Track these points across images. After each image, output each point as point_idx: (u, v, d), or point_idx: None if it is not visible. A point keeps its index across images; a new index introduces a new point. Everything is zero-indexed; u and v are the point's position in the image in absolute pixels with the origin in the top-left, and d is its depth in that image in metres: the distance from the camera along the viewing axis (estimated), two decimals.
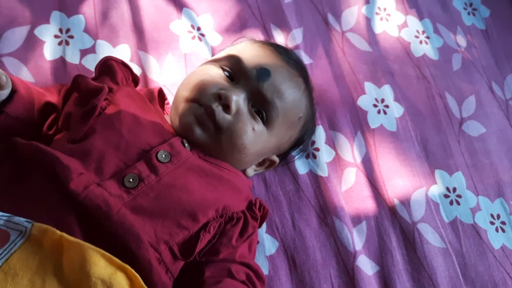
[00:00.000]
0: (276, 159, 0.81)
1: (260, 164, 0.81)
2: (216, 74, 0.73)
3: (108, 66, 0.73)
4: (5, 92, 0.60)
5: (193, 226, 0.62)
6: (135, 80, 0.78)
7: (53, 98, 0.69)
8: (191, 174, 0.65)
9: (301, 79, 0.77)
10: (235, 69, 0.73)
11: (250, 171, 0.80)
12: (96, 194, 0.55)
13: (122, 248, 0.55)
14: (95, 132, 0.62)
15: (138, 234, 0.55)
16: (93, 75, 0.75)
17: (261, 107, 0.72)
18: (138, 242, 0.55)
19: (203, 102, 0.69)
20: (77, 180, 0.55)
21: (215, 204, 0.65)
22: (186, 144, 0.68)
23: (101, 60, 0.74)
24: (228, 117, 0.68)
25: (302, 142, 0.85)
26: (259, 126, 0.72)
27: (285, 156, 0.85)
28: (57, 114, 0.68)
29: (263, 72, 0.72)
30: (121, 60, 0.75)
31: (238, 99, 0.69)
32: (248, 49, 0.76)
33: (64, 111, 0.67)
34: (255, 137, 0.71)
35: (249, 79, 0.71)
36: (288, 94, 0.73)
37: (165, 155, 0.63)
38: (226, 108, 0.68)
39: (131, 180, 0.60)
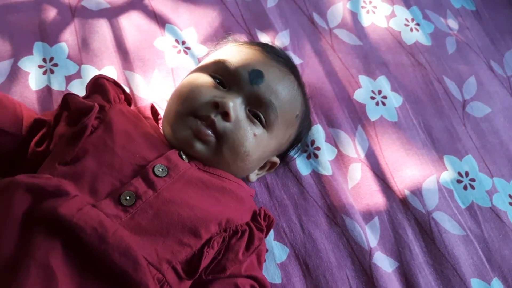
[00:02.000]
0: (277, 160, 0.78)
1: (261, 168, 0.78)
2: (206, 82, 0.69)
3: (99, 85, 0.70)
4: None
5: (196, 243, 0.58)
6: (127, 99, 0.75)
7: (45, 117, 0.67)
8: (191, 188, 0.62)
9: (293, 76, 0.74)
10: (225, 74, 0.70)
11: (253, 177, 0.77)
12: (90, 216, 0.52)
13: (118, 273, 0.51)
14: (87, 152, 0.60)
15: (136, 257, 0.52)
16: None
17: (259, 111, 0.69)
18: (135, 265, 0.51)
19: (199, 113, 0.65)
20: (70, 203, 0.52)
21: (218, 218, 0.61)
22: (184, 156, 0.65)
23: (92, 78, 0.71)
24: (228, 125, 0.65)
25: (301, 139, 0.82)
26: (259, 130, 0.69)
27: (284, 156, 0.82)
28: (47, 130, 0.65)
29: (255, 74, 0.69)
30: (112, 79, 0.72)
31: (235, 104, 0.66)
32: (235, 52, 0.73)
33: (55, 132, 0.64)
34: (256, 142, 0.68)
35: (242, 83, 0.68)
36: (285, 94, 0.70)
37: (162, 169, 0.60)
38: (225, 115, 0.65)
39: (128, 198, 0.56)
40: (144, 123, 0.70)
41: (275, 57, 0.74)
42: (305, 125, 0.80)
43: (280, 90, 0.70)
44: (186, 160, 0.65)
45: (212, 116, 0.65)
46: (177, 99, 0.69)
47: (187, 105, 0.67)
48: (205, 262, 0.59)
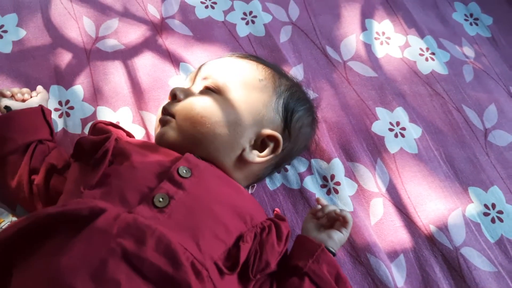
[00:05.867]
0: (274, 133, 0.72)
1: (260, 147, 0.73)
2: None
3: (99, 129, 0.73)
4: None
5: (228, 238, 0.59)
6: (129, 136, 0.78)
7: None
8: (214, 184, 0.65)
9: (253, 59, 0.80)
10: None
11: (252, 156, 0.72)
12: (129, 222, 0.52)
13: (161, 274, 0.50)
14: (110, 176, 0.61)
15: (177, 257, 0.51)
16: None
17: (207, 84, 0.74)
18: (176, 265, 0.51)
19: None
20: (105, 216, 0.52)
21: (242, 212, 0.63)
22: (199, 157, 0.67)
23: (90, 126, 0.75)
24: (180, 103, 0.72)
25: (292, 113, 0.76)
26: (211, 95, 0.72)
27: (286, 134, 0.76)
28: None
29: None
30: (109, 122, 0.76)
31: (183, 88, 0.74)
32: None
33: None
34: (209, 104, 0.71)
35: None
36: (230, 66, 0.77)
37: (185, 170, 0.62)
38: (175, 97, 0.73)
39: (161, 199, 0.57)
40: (154, 145, 0.72)
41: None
42: (293, 96, 0.77)
43: (223, 66, 0.77)
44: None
45: (166, 104, 0.73)
46: None
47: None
48: (243, 255, 0.58)
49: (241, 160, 0.72)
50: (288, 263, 0.66)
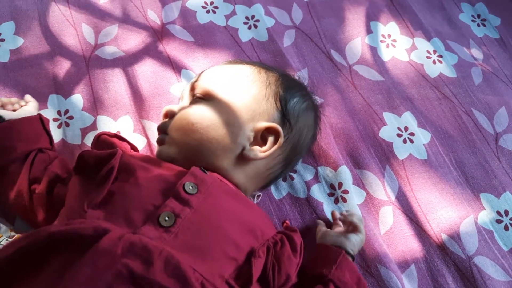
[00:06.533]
0: (271, 124, 0.70)
1: (261, 143, 0.71)
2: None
3: (102, 141, 0.72)
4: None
5: (239, 255, 0.57)
6: (133, 149, 0.76)
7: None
8: (222, 200, 0.62)
9: (239, 61, 0.80)
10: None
11: (254, 153, 0.69)
12: (133, 242, 0.50)
13: None
14: (114, 194, 0.59)
15: (187, 277, 0.49)
16: None
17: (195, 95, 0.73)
18: (187, 286, 0.48)
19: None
20: (109, 236, 0.50)
21: (253, 228, 0.61)
22: (206, 171, 0.65)
23: (94, 138, 0.73)
24: (171, 120, 0.72)
25: (286, 99, 0.74)
26: (199, 103, 0.71)
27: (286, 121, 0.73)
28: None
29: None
30: (114, 133, 0.75)
31: (172, 106, 0.74)
32: None
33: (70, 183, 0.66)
34: (198, 111, 0.70)
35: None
36: (214, 72, 0.76)
37: (192, 186, 0.59)
38: (166, 116, 0.75)
39: (167, 218, 0.55)
40: (159, 161, 0.70)
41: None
42: (283, 85, 0.75)
43: (210, 71, 0.78)
44: (207, 173, 0.65)
45: (159, 124, 0.74)
46: None
47: None
48: (256, 272, 0.56)
49: (243, 159, 0.70)
50: (310, 272, 0.65)
